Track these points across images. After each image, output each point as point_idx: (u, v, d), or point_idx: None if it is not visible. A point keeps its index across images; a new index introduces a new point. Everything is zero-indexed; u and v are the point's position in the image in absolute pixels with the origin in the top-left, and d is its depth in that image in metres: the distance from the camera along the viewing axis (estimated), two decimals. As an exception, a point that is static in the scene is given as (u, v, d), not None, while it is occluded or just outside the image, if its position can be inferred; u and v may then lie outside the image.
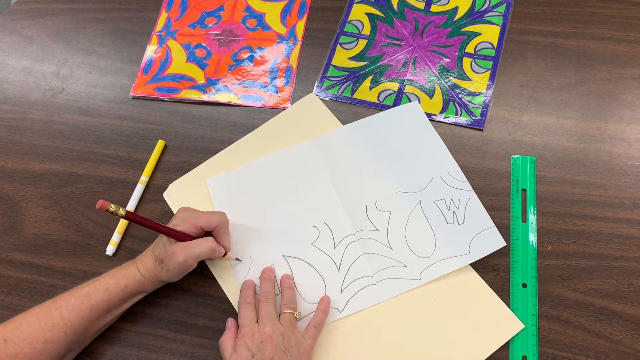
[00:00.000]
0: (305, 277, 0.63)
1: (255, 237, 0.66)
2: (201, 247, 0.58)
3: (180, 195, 0.70)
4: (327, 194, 0.68)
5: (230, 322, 0.59)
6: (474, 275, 0.62)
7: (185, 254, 0.57)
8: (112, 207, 0.53)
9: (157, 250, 0.59)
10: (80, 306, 0.57)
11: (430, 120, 0.71)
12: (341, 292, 0.62)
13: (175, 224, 0.59)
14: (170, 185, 0.71)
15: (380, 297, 0.61)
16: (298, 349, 0.55)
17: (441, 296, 0.61)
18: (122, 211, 0.54)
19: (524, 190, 0.66)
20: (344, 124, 0.72)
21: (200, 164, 0.72)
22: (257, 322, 0.56)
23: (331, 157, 0.70)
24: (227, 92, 0.78)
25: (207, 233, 0.62)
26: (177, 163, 0.73)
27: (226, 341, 0.56)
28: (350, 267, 0.63)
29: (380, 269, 0.63)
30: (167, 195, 0.70)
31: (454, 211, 0.65)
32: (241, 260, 0.65)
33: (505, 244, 0.62)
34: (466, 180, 0.66)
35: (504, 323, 0.59)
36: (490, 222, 0.63)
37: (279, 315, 0.58)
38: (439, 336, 0.59)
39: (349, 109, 0.74)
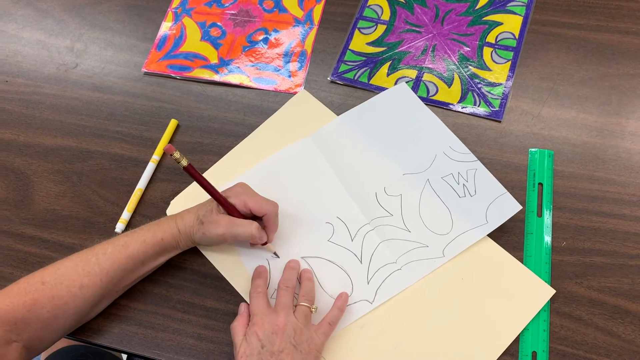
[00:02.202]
0: (328, 274, 0.62)
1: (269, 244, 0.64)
2: (244, 228, 0.58)
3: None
4: (334, 188, 0.66)
5: (243, 306, 0.59)
6: (496, 247, 0.62)
7: (226, 228, 0.57)
8: (177, 155, 0.54)
9: (202, 210, 0.59)
10: (116, 255, 0.57)
11: (447, 109, 0.70)
12: (368, 283, 0.61)
13: (228, 196, 0.59)
14: (172, 202, 0.68)
15: (408, 281, 0.61)
16: (309, 344, 0.54)
17: (467, 274, 0.61)
18: (184, 161, 0.55)
19: (540, 184, 0.65)
20: (359, 110, 0.71)
21: (213, 144, 0.71)
22: (271, 310, 0.56)
23: (330, 150, 0.68)
24: (240, 74, 0.77)
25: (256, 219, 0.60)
26: (190, 143, 0.72)
27: (238, 327, 0.56)
28: (372, 256, 0.62)
29: (403, 253, 0.62)
30: (169, 212, 0.68)
31: (463, 184, 0.64)
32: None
33: (521, 207, 0.62)
34: (469, 152, 0.66)
35: (535, 290, 0.59)
36: (502, 189, 0.63)
37: (295, 307, 0.57)
38: (475, 313, 0.59)
39: (365, 95, 0.72)
